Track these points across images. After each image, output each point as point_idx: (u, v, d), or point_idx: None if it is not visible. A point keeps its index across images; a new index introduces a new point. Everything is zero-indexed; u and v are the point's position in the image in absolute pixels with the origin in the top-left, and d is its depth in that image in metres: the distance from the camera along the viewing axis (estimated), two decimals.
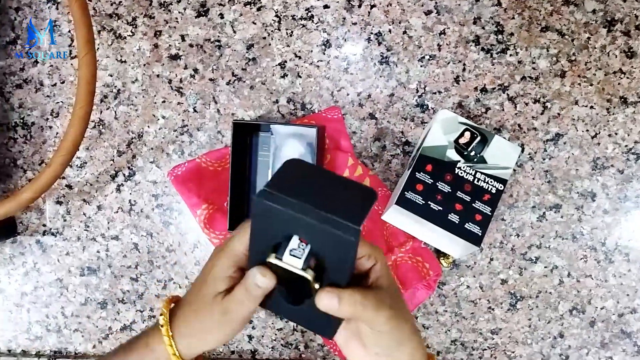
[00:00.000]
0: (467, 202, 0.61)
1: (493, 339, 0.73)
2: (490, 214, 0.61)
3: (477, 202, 0.61)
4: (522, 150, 0.70)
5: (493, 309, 0.72)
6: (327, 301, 0.38)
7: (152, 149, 0.73)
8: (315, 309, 0.38)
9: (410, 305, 0.70)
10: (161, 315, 0.46)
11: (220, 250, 0.43)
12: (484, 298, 0.72)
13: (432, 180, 0.61)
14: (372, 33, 0.70)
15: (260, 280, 0.41)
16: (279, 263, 0.37)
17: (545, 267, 0.71)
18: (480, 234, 0.60)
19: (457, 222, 0.60)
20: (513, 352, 0.73)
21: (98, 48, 0.72)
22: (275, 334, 0.74)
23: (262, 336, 0.74)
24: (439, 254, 0.71)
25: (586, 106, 0.70)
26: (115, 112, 0.73)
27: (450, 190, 0.61)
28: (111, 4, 0.72)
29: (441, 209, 0.61)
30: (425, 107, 0.71)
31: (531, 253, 0.71)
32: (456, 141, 0.63)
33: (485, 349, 0.73)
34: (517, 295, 0.72)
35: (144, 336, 0.47)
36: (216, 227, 0.71)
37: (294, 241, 0.37)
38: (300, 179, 0.39)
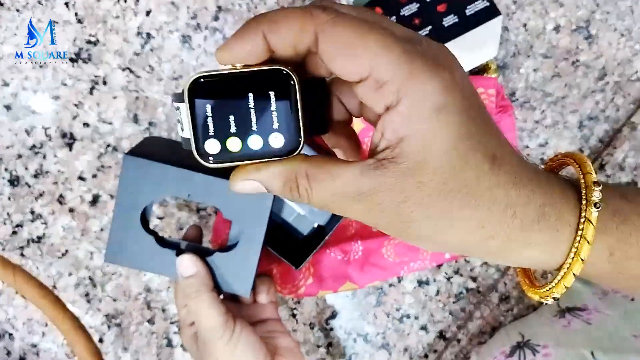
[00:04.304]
0: None
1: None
2: None
3: None
4: None
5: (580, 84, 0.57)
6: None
7: (52, 245, 0.58)
8: None
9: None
10: None
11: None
12: (565, 75, 0.57)
13: (394, 15, 0.47)
14: None
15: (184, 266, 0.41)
16: None
17: None
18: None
19: (457, 19, 0.46)
20: None
21: None
22: None
23: None
24: (478, 73, 0.56)
25: None
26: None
27: (419, 4, 0.47)
28: None
29: (431, 26, 0.46)
30: None
31: None
32: None
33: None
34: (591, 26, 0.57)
35: None
36: (290, 279, 0.57)
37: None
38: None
